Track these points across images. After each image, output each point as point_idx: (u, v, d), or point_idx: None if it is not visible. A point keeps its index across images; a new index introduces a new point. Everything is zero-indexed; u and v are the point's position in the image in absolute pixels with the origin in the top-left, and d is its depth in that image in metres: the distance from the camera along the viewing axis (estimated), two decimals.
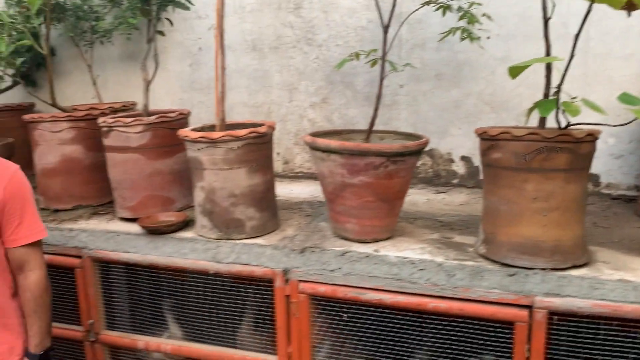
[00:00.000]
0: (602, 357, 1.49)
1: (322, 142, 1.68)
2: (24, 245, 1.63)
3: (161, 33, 2.23)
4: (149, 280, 2.05)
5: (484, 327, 1.58)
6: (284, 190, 2.50)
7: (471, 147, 2.46)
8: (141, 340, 2.03)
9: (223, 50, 1.83)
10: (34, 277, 1.66)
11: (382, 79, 1.79)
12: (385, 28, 1.76)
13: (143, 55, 2.25)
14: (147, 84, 2.16)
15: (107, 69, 2.99)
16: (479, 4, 1.97)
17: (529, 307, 1.49)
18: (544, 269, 1.50)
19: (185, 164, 2.18)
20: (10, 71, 2.61)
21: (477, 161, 2.47)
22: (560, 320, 1.48)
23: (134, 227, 2.00)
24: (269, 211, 1.92)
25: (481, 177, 2.45)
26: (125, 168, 2.04)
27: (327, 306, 1.78)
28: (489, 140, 1.57)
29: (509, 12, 2.27)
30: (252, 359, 1.89)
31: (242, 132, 1.77)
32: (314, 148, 1.73)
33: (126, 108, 2.57)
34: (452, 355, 1.73)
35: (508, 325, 1.52)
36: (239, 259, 1.82)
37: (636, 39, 2.17)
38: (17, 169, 1.66)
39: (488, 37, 2.30)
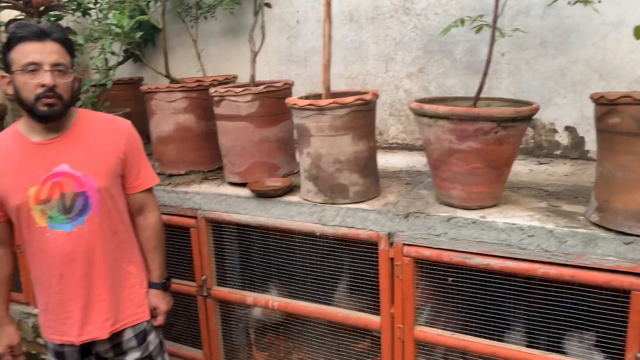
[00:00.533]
0: None
1: (430, 107, 1.70)
2: (143, 191, 1.84)
3: (268, 5, 2.31)
4: (256, 240, 2.17)
5: (593, 295, 1.56)
6: (380, 160, 2.52)
7: (577, 117, 2.38)
8: (250, 296, 2.17)
9: (330, 19, 1.88)
10: (152, 218, 1.88)
11: (492, 44, 1.78)
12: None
13: (246, 29, 2.35)
14: (254, 55, 2.25)
15: (209, 43, 3.14)
16: None
17: None
18: None
19: (289, 132, 2.27)
20: (124, 46, 2.81)
21: (582, 131, 2.39)
22: None
23: (243, 191, 2.12)
24: (372, 177, 1.97)
25: (586, 147, 2.38)
26: (235, 136, 2.16)
27: (429, 270, 1.82)
28: (607, 105, 1.52)
29: None
30: (355, 319, 1.97)
31: (348, 99, 1.82)
32: (420, 114, 1.75)
33: (228, 81, 2.69)
34: (553, 327, 1.72)
35: (624, 294, 1.49)
36: (344, 222, 1.89)
37: None
38: (131, 124, 1.85)
39: (599, 1, 2.19)
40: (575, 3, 1.91)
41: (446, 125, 1.67)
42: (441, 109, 1.67)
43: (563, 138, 2.43)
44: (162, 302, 1.90)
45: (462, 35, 2.48)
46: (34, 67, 1.57)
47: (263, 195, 2.05)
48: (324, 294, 2.13)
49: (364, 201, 1.93)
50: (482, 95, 1.83)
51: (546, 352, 1.68)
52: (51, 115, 1.62)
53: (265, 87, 2.12)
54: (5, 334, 1.82)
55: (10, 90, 1.65)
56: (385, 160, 2.52)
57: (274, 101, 2.15)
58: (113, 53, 2.66)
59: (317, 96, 2.00)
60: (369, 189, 1.96)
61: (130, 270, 1.83)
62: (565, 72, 2.36)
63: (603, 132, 1.58)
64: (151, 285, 1.90)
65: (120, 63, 3.03)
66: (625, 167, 1.49)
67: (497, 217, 1.68)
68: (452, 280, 1.78)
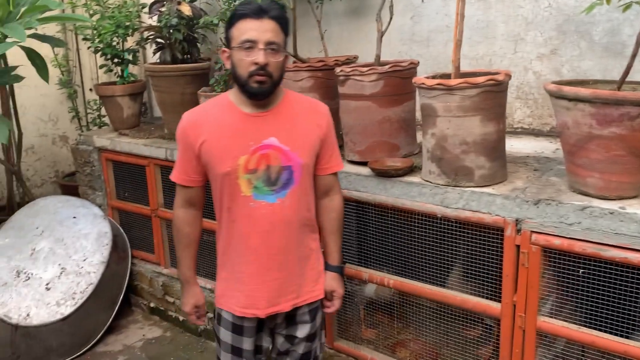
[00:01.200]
0: None
1: (570, 89, 1.61)
2: (331, 173, 1.85)
3: None
4: (374, 218, 2.20)
5: None
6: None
7: None
8: (365, 272, 2.21)
9: None
10: (337, 200, 1.89)
11: None
12: None
13: (368, 10, 2.36)
14: (381, 35, 2.26)
15: (332, 24, 3.18)
16: None
17: None
18: None
19: (412, 112, 2.26)
20: None
21: None
22: None
23: (364, 169, 2.16)
24: (499, 161, 1.92)
25: None
26: (357, 114, 2.19)
27: (557, 260, 1.74)
28: None
29: None
30: (474, 303, 1.94)
31: (479, 79, 1.78)
32: (558, 97, 1.66)
33: (350, 61, 2.71)
34: None
35: None
36: (468, 206, 1.86)
37: None
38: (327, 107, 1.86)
39: None
40: None
41: (587, 108, 1.57)
42: (583, 91, 1.57)
43: None
44: (339, 285, 1.90)
45: (602, 14, 2.31)
46: (250, 45, 1.60)
47: (384, 174, 2.07)
48: (438, 277, 2.12)
49: (490, 185, 1.89)
50: (627, 79, 1.70)
51: None
52: (260, 92, 1.65)
53: (390, 67, 2.12)
54: (192, 294, 1.90)
55: (228, 65, 1.71)
56: (510, 145, 2.42)
57: (399, 81, 2.15)
58: None
59: (445, 76, 1.96)
60: (496, 173, 1.90)
61: (313, 247, 1.84)
62: None
63: None
64: (330, 267, 1.90)
65: None
66: None
67: (639, 209, 1.57)
68: (583, 272, 1.69)
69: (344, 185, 2.16)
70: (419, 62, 2.27)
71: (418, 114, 2.23)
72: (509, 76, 1.86)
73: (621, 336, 1.67)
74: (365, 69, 2.13)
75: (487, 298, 1.94)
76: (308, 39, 3.29)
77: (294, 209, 1.73)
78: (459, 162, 1.88)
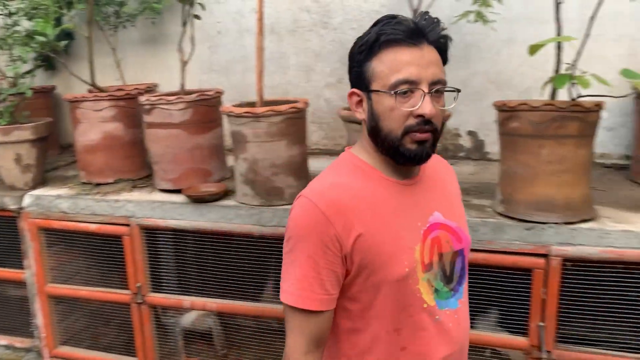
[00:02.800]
0: (607, 297, 1.73)
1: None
2: None
3: (197, 17, 2.38)
4: (192, 244, 2.22)
5: (502, 275, 1.81)
6: None
7: (477, 123, 2.68)
8: (187, 300, 2.21)
9: (262, 32, 2.00)
10: None
11: None
12: (415, 12, 1.96)
13: (165, 39, 2.43)
14: (184, 64, 2.31)
15: (127, 52, 3.12)
16: None
17: (545, 256, 1.71)
18: (557, 223, 1.72)
19: (221, 139, 2.36)
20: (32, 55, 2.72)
21: (482, 135, 2.70)
22: (572, 266, 1.71)
23: (178, 197, 2.18)
24: (304, 180, 2.12)
25: (486, 150, 2.69)
26: (167, 143, 2.21)
27: None
28: (508, 111, 1.78)
29: None
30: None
31: (283, 107, 1.95)
32: (349, 121, 1.92)
33: (150, 89, 2.71)
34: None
35: (526, 272, 1.75)
36: (282, 223, 2.01)
37: (626, 23, 2.41)
38: None
39: (494, 21, 2.50)
40: (475, 22, 2.19)
41: None
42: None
43: (466, 141, 2.73)
44: None
45: None
46: (408, 88, 1.07)
47: (199, 200, 2.12)
48: (257, 293, 2.24)
49: None
50: None
51: None
52: (421, 156, 1.11)
53: (198, 95, 2.19)
54: None
55: (360, 114, 1.17)
56: (310, 165, 2.68)
57: (206, 109, 2.23)
58: (25, 61, 2.59)
59: (250, 104, 2.11)
60: None
61: None
62: (466, 83, 2.65)
63: (505, 135, 1.84)
64: None
65: (29, 72, 2.94)
66: (524, 164, 1.76)
67: None
68: None
69: (159, 215, 2.15)
70: (224, 91, 2.38)
71: (225, 140, 2.34)
72: (307, 104, 2.08)
73: None
74: (172, 97, 2.16)
75: None
76: (102, 67, 3.17)
77: (468, 312, 1.26)
78: (271, 183, 2.03)
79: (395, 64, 1.08)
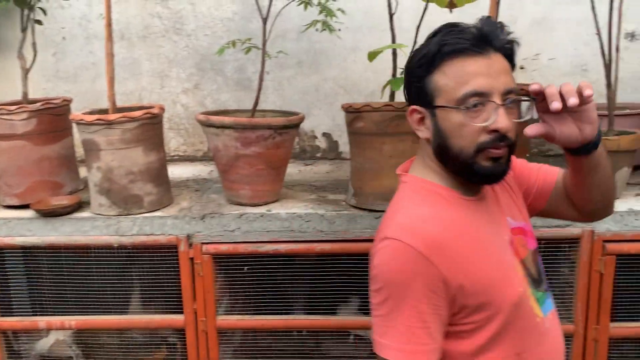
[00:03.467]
0: None
1: (217, 119, 1.92)
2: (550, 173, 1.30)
3: (39, 22, 2.24)
4: (47, 261, 2.09)
5: (358, 261, 1.97)
6: None
7: (330, 125, 2.86)
8: (42, 321, 2.08)
9: (112, 38, 1.96)
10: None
11: (263, 64, 2.08)
12: (264, 20, 2.05)
13: (9, 44, 2.27)
14: (26, 72, 2.17)
15: None
16: (334, 0, 2.34)
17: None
18: None
19: (71, 149, 2.25)
20: None
21: (336, 136, 2.88)
22: None
23: (26, 213, 2.04)
24: (164, 186, 2.10)
25: (340, 150, 2.87)
26: (11, 155, 2.06)
27: (226, 263, 2.03)
28: (354, 112, 1.94)
29: (355, 7, 2.69)
30: (159, 321, 2.07)
31: (137, 113, 1.93)
32: (208, 125, 1.95)
33: None
34: (328, 295, 2.10)
35: None
36: (142, 231, 1.98)
37: None
38: None
39: (339, 30, 2.69)
40: (323, 30, 2.34)
41: (232, 133, 1.91)
42: (227, 119, 1.90)
43: (322, 143, 2.90)
44: None
45: (231, 55, 2.75)
46: (478, 101, 0.98)
47: (50, 214, 2.01)
48: (122, 306, 2.17)
49: (159, 209, 2.05)
50: (258, 108, 2.13)
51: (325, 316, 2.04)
52: (497, 174, 1.04)
53: (43, 104, 2.07)
54: None
55: (423, 132, 1.09)
56: (171, 172, 2.63)
57: (53, 118, 2.12)
58: None
59: (103, 111, 2.05)
60: (163, 198, 2.08)
61: None
62: (319, 88, 2.82)
63: (353, 134, 2.01)
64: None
65: None
66: (371, 160, 1.93)
67: (280, 209, 1.99)
68: (248, 269, 2.02)
69: (4, 233, 2.00)
70: (72, 99, 2.27)
71: (77, 150, 2.23)
72: (162, 109, 2.07)
73: (284, 314, 2.06)
74: (13, 107, 2.02)
75: (172, 313, 2.10)
76: None
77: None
78: (128, 191, 1.99)
79: (461, 75, 0.99)
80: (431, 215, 1.04)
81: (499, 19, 2.48)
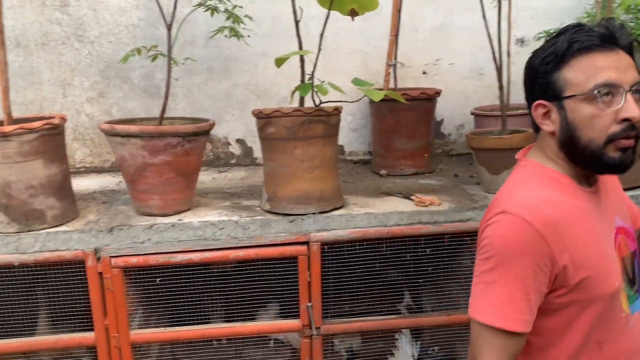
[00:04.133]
0: (360, 271, 2.03)
1: (122, 127, 1.87)
2: None
3: None
4: None
5: (274, 266, 1.99)
6: None
7: (244, 131, 2.86)
8: None
9: (4, 46, 1.86)
10: None
11: (169, 71, 2.05)
12: (169, 26, 2.02)
13: None
14: None
15: None
16: (241, 7, 2.35)
17: (306, 243, 1.93)
18: (314, 213, 1.96)
19: None
20: None
21: (250, 142, 2.88)
22: (329, 248, 1.96)
23: None
24: (68, 200, 2.01)
25: (255, 155, 2.88)
26: None
27: (137, 275, 1.98)
28: (265, 118, 1.96)
29: (264, 14, 2.72)
30: (68, 340, 1.97)
31: (35, 124, 1.84)
32: (113, 134, 1.90)
33: None
34: (248, 300, 2.11)
35: (293, 259, 1.94)
36: (46, 247, 1.88)
37: (358, 38, 2.82)
38: None
39: (249, 36, 2.70)
40: (230, 37, 2.35)
41: (138, 142, 1.86)
42: (132, 128, 1.86)
43: (236, 149, 2.89)
44: None
45: (137, 62, 2.69)
46: (609, 91, 1.04)
47: None
48: (29, 328, 2.05)
49: (64, 223, 1.96)
50: (166, 116, 2.09)
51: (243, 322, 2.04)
52: (624, 165, 1.08)
53: None
54: None
55: (548, 126, 1.13)
56: (77, 184, 2.54)
57: None
58: None
59: None
60: (68, 211, 1.99)
61: None
62: (230, 94, 2.81)
63: (264, 139, 2.02)
64: None
65: None
66: (283, 163, 1.96)
67: (193, 218, 1.96)
68: (160, 280, 1.98)
69: None
70: None
71: None
72: (64, 119, 1.98)
73: (205, 323, 2.03)
74: None
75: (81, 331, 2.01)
76: None
77: None
78: (28, 206, 1.88)
79: (592, 69, 1.05)
80: (548, 197, 1.09)
81: (401, 27, 2.62)
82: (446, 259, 2.07)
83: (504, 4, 2.30)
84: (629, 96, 1.05)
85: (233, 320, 2.08)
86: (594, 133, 1.06)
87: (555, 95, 1.10)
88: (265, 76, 2.79)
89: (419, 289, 2.35)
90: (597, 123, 1.06)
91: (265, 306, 2.39)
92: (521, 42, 2.91)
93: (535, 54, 1.16)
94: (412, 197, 2.12)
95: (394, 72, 2.68)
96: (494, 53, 2.13)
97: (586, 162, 1.11)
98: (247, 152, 2.89)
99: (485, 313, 1.07)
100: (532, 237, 1.04)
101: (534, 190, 1.11)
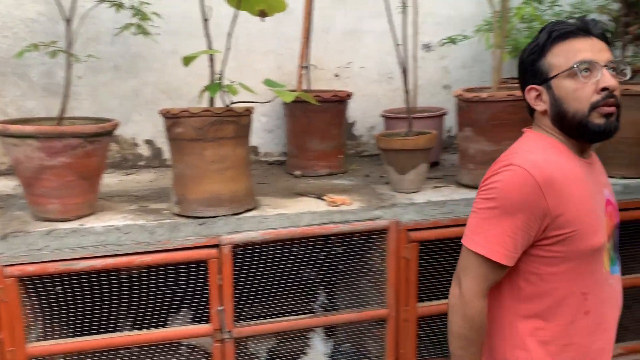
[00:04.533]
0: (272, 272, 2.03)
1: (16, 128, 1.75)
2: None
3: None
4: None
5: (185, 270, 1.94)
6: None
7: (153, 131, 2.77)
8: None
9: None
10: None
11: (68, 68, 1.94)
12: (68, 22, 1.92)
13: None
14: None
15: None
16: (148, 3, 2.27)
17: (217, 246, 1.90)
18: (225, 215, 1.93)
19: None
20: None
21: (159, 143, 2.80)
22: (241, 250, 1.95)
23: None
24: None
25: (165, 157, 2.80)
26: None
27: (37, 285, 1.86)
28: (172, 118, 1.91)
29: (173, 11, 2.65)
30: None
31: None
32: (6, 135, 1.77)
33: None
34: (159, 306, 2.04)
35: (203, 263, 1.91)
36: None
37: (271, 39, 2.82)
38: None
39: (158, 34, 2.62)
40: (138, 34, 2.27)
41: (35, 143, 1.75)
42: (27, 128, 1.74)
43: (145, 150, 2.79)
44: None
45: (36, 58, 2.53)
46: (587, 66, 1.21)
47: None
48: None
49: None
50: (67, 115, 1.98)
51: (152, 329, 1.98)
52: (610, 130, 1.24)
53: None
54: None
55: (540, 106, 1.31)
56: None
57: None
58: None
59: None
60: None
61: None
62: (138, 93, 2.71)
63: (173, 140, 1.97)
64: None
65: None
66: (192, 165, 1.92)
67: (95, 222, 1.87)
68: (62, 289, 1.87)
69: None
70: None
71: None
72: None
73: (112, 331, 1.94)
74: None
75: None
76: None
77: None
78: None
79: (571, 51, 1.23)
80: (550, 158, 1.25)
81: (313, 30, 2.65)
82: (357, 257, 2.11)
83: (410, 11, 2.39)
84: (605, 70, 1.22)
85: (143, 327, 2.01)
86: (579, 104, 1.23)
87: (543, 78, 1.28)
88: (176, 75, 2.72)
89: (332, 287, 2.39)
90: (580, 94, 1.22)
91: (178, 312, 2.32)
92: (427, 47, 3.03)
93: (524, 50, 1.35)
94: (325, 198, 2.15)
95: (307, 74, 2.71)
96: (399, 57, 2.20)
97: (575, 131, 1.26)
98: (157, 154, 2.80)
99: (476, 243, 1.25)
100: (532, 189, 1.20)
101: (538, 151, 1.28)
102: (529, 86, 1.32)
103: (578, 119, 1.24)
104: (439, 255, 2.09)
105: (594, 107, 1.23)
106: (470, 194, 2.18)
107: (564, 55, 1.24)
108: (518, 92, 2.16)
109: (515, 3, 2.83)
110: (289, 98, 1.92)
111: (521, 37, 2.79)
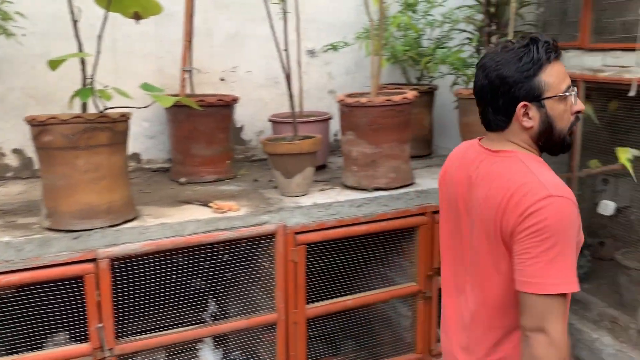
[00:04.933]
0: (157, 283, 1.95)
1: None
2: None
3: None
4: None
5: (60, 288, 1.81)
6: None
7: (22, 140, 2.56)
8: None
9: None
10: None
11: None
12: None
13: None
14: None
15: None
16: (10, 2, 2.10)
17: (94, 260, 1.80)
18: (102, 227, 1.83)
19: None
20: None
21: (29, 153, 2.59)
22: (121, 264, 1.85)
23: None
24: None
25: (36, 167, 2.60)
26: None
27: None
28: (39, 125, 1.78)
29: (41, 11, 2.47)
30: None
31: None
32: None
33: None
34: (33, 328, 1.89)
35: (79, 279, 1.79)
36: None
37: (152, 42, 2.72)
38: None
39: (24, 35, 2.43)
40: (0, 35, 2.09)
41: None
42: None
43: (13, 160, 2.57)
44: None
45: None
46: (573, 92, 1.35)
47: None
48: None
49: None
50: None
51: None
52: (571, 145, 1.42)
53: None
54: None
55: (528, 122, 1.34)
56: None
57: None
58: None
59: None
60: None
61: None
62: (3, 99, 2.50)
63: (41, 149, 1.83)
64: None
65: None
66: (63, 176, 1.80)
67: None
68: None
69: None
70: None
71: None
72: None
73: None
74: None
75: None
76: None
77: None
78: None
79: (561, 74, 1.33)
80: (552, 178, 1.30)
81: (195, 33, 2.60)
82: (246, 263, 2.09)
83: (292, 17, 2.42)
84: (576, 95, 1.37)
85: (16, 353, 1.84)
86: (563, 123, 1.36)
87: (535, 96, 1.32)
88: (47, 80, 2.53)
89: (223, 295, 2.35)
90: (565, 116, 1.35)
91: (57, 333, 2.16)
92: (311, 53, 3.08)
93: (501, 65, 1.33)
94: (211, 205, 2.11)
95: (190, 77, 2.64)
96: (282, 63, 2.22)
97: (556, 145, 1.39)
98: (27, 164, 2.59)
99: (556, 286, 1.22)
100: (576, 214, 1.26)
101: (549, 172, 1.33)
102: (523, 102, 1.33)
103: (562, 137, 1.37)
104: (326, 256, 2.14)
105: (570, 127, 1.38)
106: (355, 195, 2.25)
107: (556, 77, 1.32)
108: (395, 98, 2.31)
109: (392, 12, 2.97)
110: (168, 103, 1.86)
111: (398, 44, 2.93)
